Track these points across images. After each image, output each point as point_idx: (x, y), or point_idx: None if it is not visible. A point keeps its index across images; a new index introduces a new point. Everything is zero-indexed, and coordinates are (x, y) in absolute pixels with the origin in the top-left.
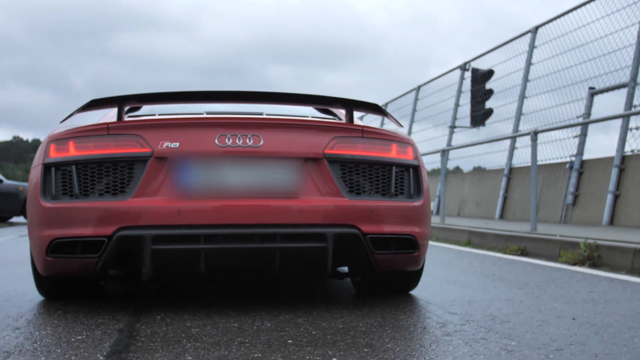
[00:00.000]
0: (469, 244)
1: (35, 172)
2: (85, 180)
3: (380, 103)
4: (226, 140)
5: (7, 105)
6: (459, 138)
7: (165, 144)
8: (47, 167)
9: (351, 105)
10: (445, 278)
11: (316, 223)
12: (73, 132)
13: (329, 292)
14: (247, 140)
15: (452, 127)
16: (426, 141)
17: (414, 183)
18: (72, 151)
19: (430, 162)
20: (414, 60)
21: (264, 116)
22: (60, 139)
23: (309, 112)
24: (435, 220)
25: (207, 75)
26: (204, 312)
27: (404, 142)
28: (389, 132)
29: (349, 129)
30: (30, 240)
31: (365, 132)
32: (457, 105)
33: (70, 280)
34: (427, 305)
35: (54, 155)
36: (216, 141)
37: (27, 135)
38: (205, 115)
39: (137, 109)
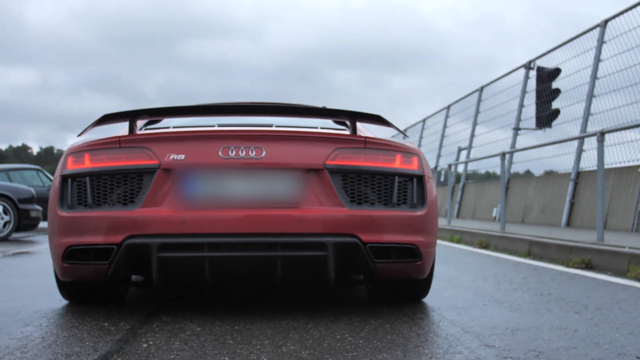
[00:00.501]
0: (529, 254)
1: (55, 182)
2: (98, 190)
3: (444, 106)
4: (229, 152)
5: (81, 112)
6: (523, 140)
7: (171, 156)
8: (64, 179)
9: (354, 116)
10: (492, 297)
11: (316, 232)
12: (88, 145)
13: (349, 301)
14: (250, 152)
15: (516, 129)
16: (489, 144)
17: (418, 193)
18: (87, 163)
19: (493, 166)
20: (480, 62)
21: (267, 128)
22: (77, 152)
23: (322, 124)
24: (495, 228)
25: (273, 81)
26: (207, 316)
27: (409, 152)
28: (393, 143)
29: (352, 140)
30: (50, 247)
31: (368, 143)
32: (521, 105)
33: (90, 285)
34: (461, 335)
35: (71, 167)
36: (220, 153)
37: None
38: (209, 128)
39: (158, 121)
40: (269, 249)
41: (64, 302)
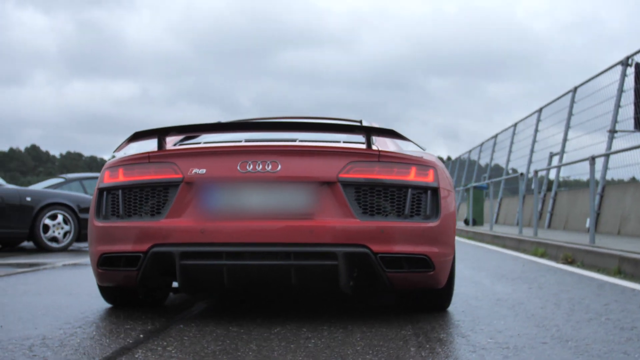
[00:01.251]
0: (618, 273)
1: (94, 195)
2: (129, 202)
3: (535, 109)
4: (247, 167)
5: (179, 122)
6: (620, 144)
7: (194, 170)
8: (100, 191)
9: (369, 131)
10: (557, 331)
11: (326, 242)
12: (122, 161)
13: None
14: (266, 166)
15: (612, 132)
16: (582, 149)
17: (432, 204)
18: (121, 177)
19: (585, 173)
20: (578, 66)
21: (282, 143)
22: (112, 167)
23: (347, 138)
24: (584, 241)
25: (366, 89)
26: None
27: (425, 165)
28: (408, 156)
29: (365, 154)
30: (89, 254)
31: (382, 157)
32: (617, 106)
33: (129, 289)
34: None
35: (107, 180)
36: (238, 167)
37: None
38: (229, 144)
39: (195, 137)
40: (282, 258)
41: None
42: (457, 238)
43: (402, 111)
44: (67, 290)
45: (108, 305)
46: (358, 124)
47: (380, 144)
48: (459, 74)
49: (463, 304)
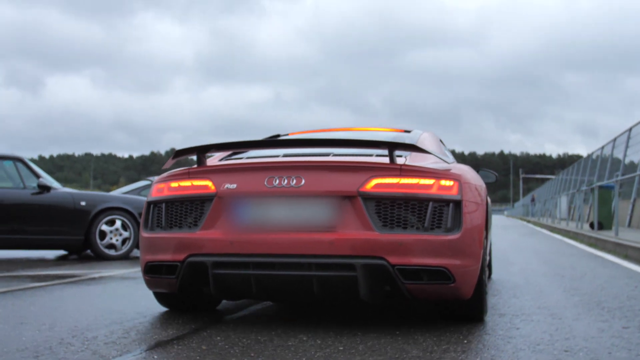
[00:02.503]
0: None
1: (143, 208)
2: (171, 215)
3: None
4: (274, 182)
5: (310, 124)
6: None
7: (225, 186)
8: (148, 205)
9: (391, 146)
10: None
11: (346, 254)
12: (168, 176)
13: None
14: (291, 181)
15: None
16: None
17: (453, 217)
18: (165, 192)
19: None
20: None
21: (306, 159)
22: (159, 182)
23: (375, 152)
24: None
25: (497, 88)
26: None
27: (448, 178)
28: (430, 169)
29: (387, 168)
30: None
31: (404, 171)
32: None
33: (180, 294)
34: None
35: (155, 194)
36: (265, 182)
37: None
38: (259, 160)
39: (240, 152)
40: (305, 269)
41: None
42: (575, 245)
43: (535, 108)
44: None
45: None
46: (406, 133)
47: (414, 158)
48: (595, 68)
49: (510, 355)
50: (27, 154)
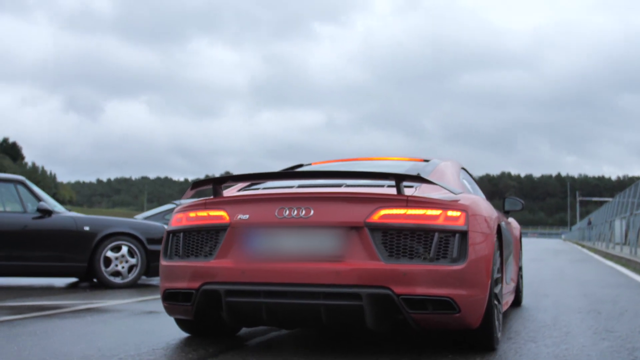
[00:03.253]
0: None
1: (163, 237)
2: (187, 244)
3: None
4: (284, 212)
5: (364, 148)
6: None
7: (239, 216)
8: (168, 234)
9: (398, 178)
10: None
11: (352, 284)
12: (186, 207)
13: None
14: (300, 212)
15: None
16: None
17: (459, 247)
18: (184, 222)
19: None
20: None
21: (315, 190)
22: (179, 212)
23: (387, 183)
24: None
25: (552, 109)
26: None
27: (455, 209)
28: (437, 200)
29: (393, 199)
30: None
31: (410, 202)
32: None
33: (201, 321)
34: None
35: (174, 224)
36: (276, 213)
37: None
38: (269, 191)
39: (258, 183)
40: (313, 298)
41: None
42: (626, 273)
43: (591, 129)
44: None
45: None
46: (424, 162)
47: (424, 189)
48: None
49: None
50: (86, 178)
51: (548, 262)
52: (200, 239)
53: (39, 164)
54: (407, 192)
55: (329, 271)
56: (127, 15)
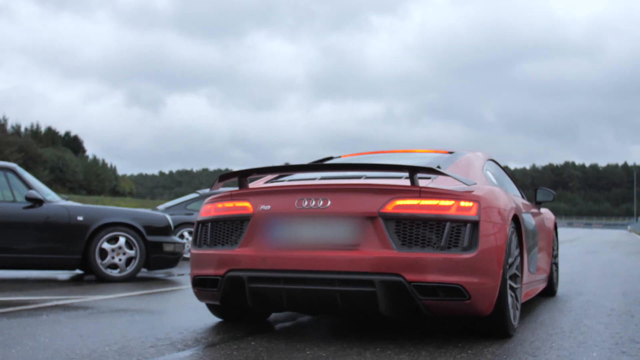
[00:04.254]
0: None
1: (194, 227)
2: (215, 233)
3: None
4: (303, 203)
5: (423, 139)
6: None
7: (261, 207)
8: (198, 224)
9: (411, 170)
10: None
11: (365, 271)
12: (214, 198)
13: None
14: (318, 203)
15: None
16: None
17: (470, 237)
18: (212, 212)
19: None
20: None
21: (333, 182)
22: (208, 203)
23: (401, 175)
24: None
25: (613, 98)
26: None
27: (468, 199)
28: (450, 191)
29: (407, 190)
30: None
31: (423, 193)
32: None
33: (234, 307)
34: None
35: (203, 214)
36: (295, 204)
37: None
38: (288, 184)
39: (286, 175)
40: (329, 284)
41: None
42: None
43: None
44: None
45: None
46: (448, 154)
47: (440, 180)
48: None
49: None
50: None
51: (601, 255)
52: (226, 229)
53: (101, 157)
54: (423, 183)
55: (344, 259)
56: (186, 11)
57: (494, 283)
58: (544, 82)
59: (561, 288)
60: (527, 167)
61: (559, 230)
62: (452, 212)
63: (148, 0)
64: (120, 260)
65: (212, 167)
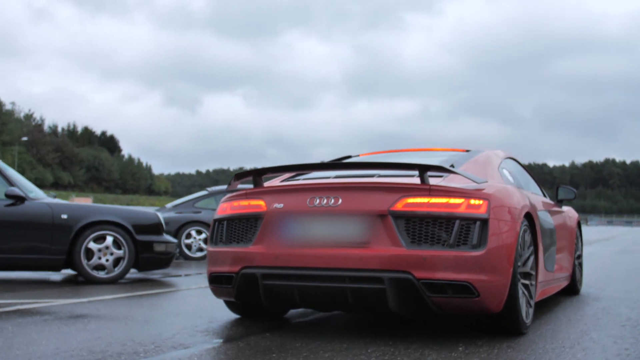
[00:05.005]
0: None
1: (210, 225)
2: (230, 231)
3: None
4: (315, 201)
5: (460, 136)
6: None
7: (275, 205)
8: (214, 222)
9: (421, 168)
10: None
11: (374, 268)
12: (230, 197)
13: None
14: (330, 201)
15: None
16: None
17: (479, 234)
18: (228, 210)
19: None
20: None
21: (343, 180)
22: (224, 202)
23: (411, 173)
24: None
25: None
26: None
27: (478, 197)
28: (460, 189)
29: (416, 189)
30: None
31: (433, 191)
32: None
33: (247, 304)
34: None
35: (220, 213)
36: (307, 202)
37: None
38: (301, 182)
39: (303, 174)
40: (339, 281)
41: None
42: None
43: None
44: None
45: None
46: (465, 152)
47: (451, 179)
48: None
49: None
50: (185, 169)
51: (634, 255)
52: (241, 226)
53: (137, 156)
54: (434, 181)
55: (354, 256)
56: (221, 12)
57: (504, 280)
58: (581, 78)
59: (582, 290)
60: (567, 165)
61: (597, 228)
62: (462, 210)
63: (184, 2)
64: (107, 260)
65: (248, 166)
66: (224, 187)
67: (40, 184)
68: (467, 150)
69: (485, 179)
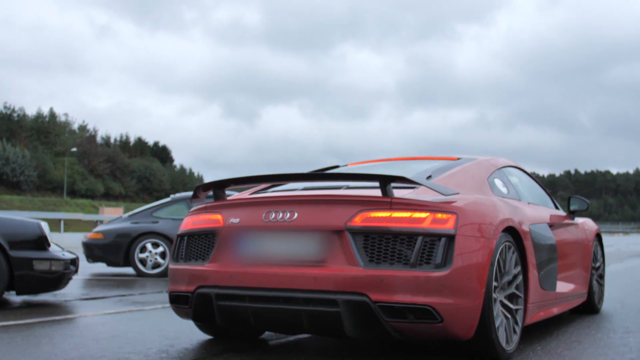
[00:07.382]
0: None
1: (173, 241)
2: (189, 247)
3: None
4: (270, 216)
5: (517, 145)
6: None
7: (231, 220)
8: (177, 237)
9: (383, 179)
10: None
11: (328, 290)
12: (194, 211)
13: None
14: (285, 216)
15: None
16: None
17: (444, 253)
18: (188, 225)
19: None
20: None
21: (298, 193)
22: (188, 216)
23: (371, 185)
24: None
25: None
26: None
27: (444, 211)
28: (424, 202)
29: (376, 202)
30: None
31: (395, 204)
32: None
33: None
34: None
35: (182, 227)
36: (263, 217)
37: (543, 172)
38: (257, 195)
39: (277, 185)
40: (293, 303)
41: None
42: None
43: None
44: None
45: None
46: (453, 161)
47: (421, 191)
48: None
49: None
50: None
51: None
52: (200, 243)
53: (189, 166)
54: (401, 194)
55: (308, 276)
56: (275, 26)
57: (473, 304)
58: (639, 84)
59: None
60: (630, 172)
61: None
62: (426, 226)
63: (240, 17)
64: None
65: None
66: (190, 193)
67: (91, 195)
68: (458, 159)
69: (456, 191)
